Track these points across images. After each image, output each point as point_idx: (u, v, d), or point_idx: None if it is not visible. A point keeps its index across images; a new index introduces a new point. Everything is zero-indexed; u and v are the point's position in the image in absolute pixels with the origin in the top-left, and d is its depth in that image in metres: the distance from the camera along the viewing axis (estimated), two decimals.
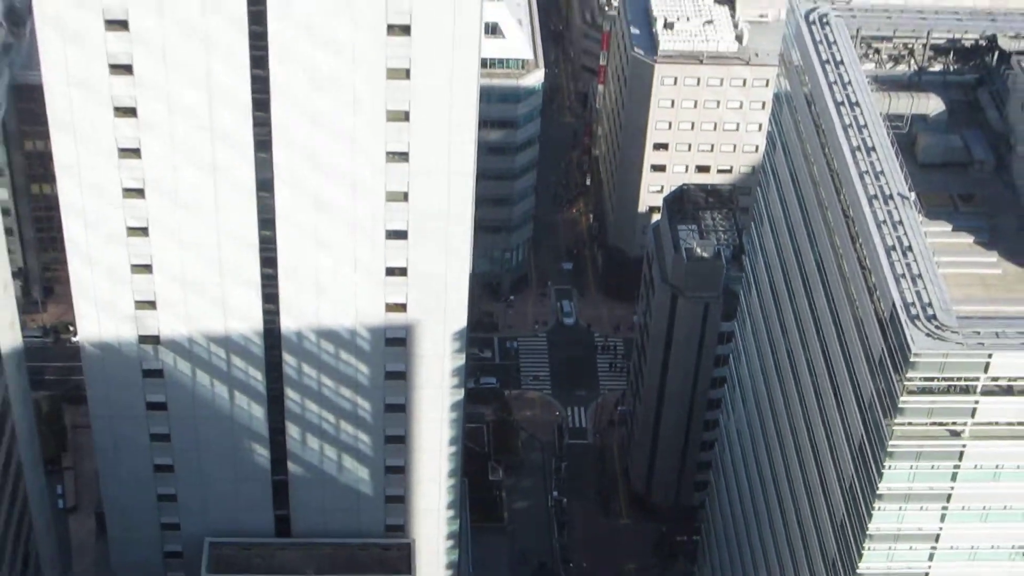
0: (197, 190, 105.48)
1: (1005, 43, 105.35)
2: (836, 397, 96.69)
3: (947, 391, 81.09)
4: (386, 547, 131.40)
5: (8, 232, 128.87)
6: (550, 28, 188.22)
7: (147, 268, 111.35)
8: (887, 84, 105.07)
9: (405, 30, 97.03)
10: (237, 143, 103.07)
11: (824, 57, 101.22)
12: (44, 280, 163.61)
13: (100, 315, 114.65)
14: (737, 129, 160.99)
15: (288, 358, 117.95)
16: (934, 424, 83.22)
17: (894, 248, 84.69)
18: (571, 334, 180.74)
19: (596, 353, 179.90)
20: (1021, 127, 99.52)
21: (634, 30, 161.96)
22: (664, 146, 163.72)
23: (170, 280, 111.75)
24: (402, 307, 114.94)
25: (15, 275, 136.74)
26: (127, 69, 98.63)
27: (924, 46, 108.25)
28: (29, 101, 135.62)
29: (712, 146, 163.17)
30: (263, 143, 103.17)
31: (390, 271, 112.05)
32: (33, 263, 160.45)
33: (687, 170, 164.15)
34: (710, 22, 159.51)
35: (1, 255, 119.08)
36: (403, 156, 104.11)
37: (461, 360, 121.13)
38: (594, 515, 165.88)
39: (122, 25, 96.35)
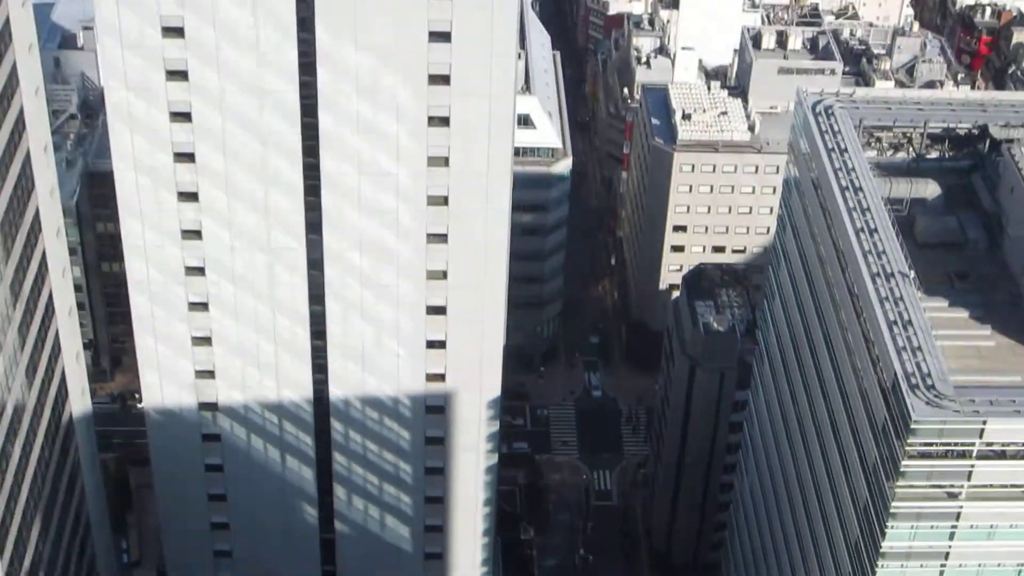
0: (253, 269, 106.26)
1: (996, 132, 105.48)
2: (842, 461, 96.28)
3: (945, 455, 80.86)
4: None
5: (80, 307, 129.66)
6: (577, 119, 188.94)
7: (207, 340, 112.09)
8: (888, 170, 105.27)
9: (444, 121, 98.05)
10: (290, 225, 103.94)
11: (830, 145, 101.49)
12: (112, 351, 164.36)
13: (163, 383, 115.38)
14: (750, 212, 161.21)
15: (336, 424, 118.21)
16: (933, 486, 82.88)
17: (895, 322, 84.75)
18: (597, 403, 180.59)
19: (620, 420, 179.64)
20: (1012, 210, 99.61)
21: (655, 121, 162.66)
22: (683, 228, 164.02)
23: (228, 351, 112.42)
24: (441, 377, 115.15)
25: (86, 346, 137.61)
26: (190, 157, 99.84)
27: (921, 135, 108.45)
28: (100, 187, 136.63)
29: (727, 228, 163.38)
30: (314, 225, 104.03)
31: (430, 344, 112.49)
32: (103, 335, 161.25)
33: (704, 250, 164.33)
34: (725, 113, 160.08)
35: (74, 328, 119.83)
36: (442, 237, 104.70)
37: (495, 426, 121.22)
38: (618, 572, 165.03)
39: (185, 117, 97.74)
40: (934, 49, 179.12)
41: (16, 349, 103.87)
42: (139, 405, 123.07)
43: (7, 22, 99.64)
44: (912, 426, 78.01)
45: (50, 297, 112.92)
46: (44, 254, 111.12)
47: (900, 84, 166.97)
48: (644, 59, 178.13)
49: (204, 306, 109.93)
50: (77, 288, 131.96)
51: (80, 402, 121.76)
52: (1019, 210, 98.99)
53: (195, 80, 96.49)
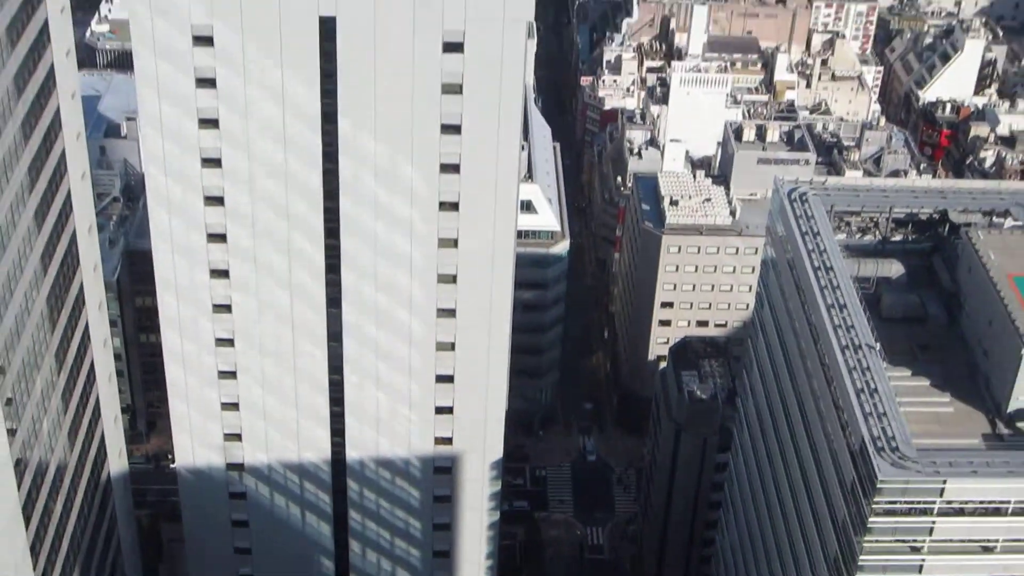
0: (278, 340, 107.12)
1: (955, 216, 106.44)
2: (815, 517, 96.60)
3: (909, 513, 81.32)
4: None
5: (119, 374, 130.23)
6: (575, 205, 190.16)
7: (235, 406, 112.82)
8: (856, 251, 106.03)
9: (454, 206, 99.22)
10: (313, 300, 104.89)
11: (804, 229, 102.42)
12: (148, 415, 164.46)
13: (194, 445, 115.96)
14: (731, 290, 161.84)
15: (352, 483, 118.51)
16: (898, 541, 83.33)
17: (863, 390, 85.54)
18: (591, 464, 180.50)
19: (612, 480, 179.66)
20: (969, 288, 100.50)
21: (645, 206, 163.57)
22: (670, 304, 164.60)
23: (254, 416, 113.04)
24: (448, 440, 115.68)
25: (124, 411, 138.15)
26: (222, 238, 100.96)
27: (887, 219, 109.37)
28: (139, 264, 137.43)
29: (710, 304, 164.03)
30: (334, 300, 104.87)
31: (439, 409, 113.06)
32: (139, 401, 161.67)
33: (689, 324, 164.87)
34: (709, 200, 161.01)
35: (113, 394, 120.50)
36: (451, 312, 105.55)
37: (497, 486, 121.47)
38: None
39: (218, 201, 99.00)
40: (899, 141, 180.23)
41: (60, 412, 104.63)
42: (172, 465, 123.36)
43: (57, 112, 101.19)
44: (878, 485, 78.74)
45: (92, 365, 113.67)
46: (87, 326, 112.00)
47: (868, 173, 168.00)
48: (636, 150, 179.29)
49: (233, 375, 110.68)
50: (117, 357, 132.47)
51: (117, 462, 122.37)
52: (976, 288, 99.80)
53: (228, 167, 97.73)
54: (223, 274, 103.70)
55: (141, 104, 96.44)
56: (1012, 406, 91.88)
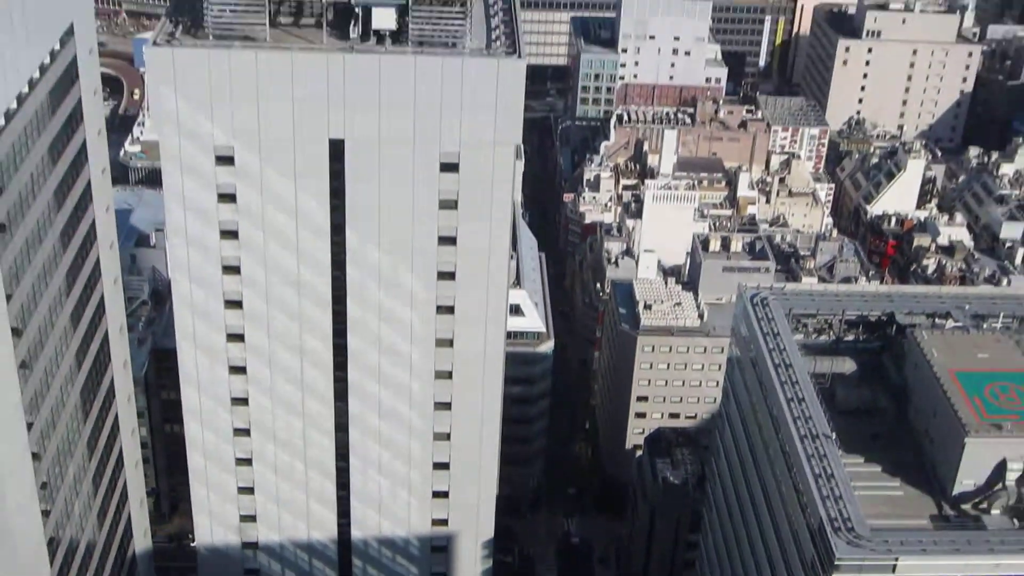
0: (290, 430, 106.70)
1: (901, 318, 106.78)
2: None
3: None
4: None
5: (145, 461, 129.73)
6: (559, 309, 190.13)
7: (250, 490, 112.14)
8: (813, 350, 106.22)
9: (450, 310, 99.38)
10: (322, 394, 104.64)
11: (765, 330, 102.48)
12: (171, 498, 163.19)
13: (213, 526, 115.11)
14: (700, 385, 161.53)
15: (356, 561, 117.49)
16: None
17: (820, 476, 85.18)
18: (574, 544, 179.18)
19: (594, 559, 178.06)
20: (915, 383, 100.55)
21: (622, 310, 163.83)
22: (644, 398, 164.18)
23: (268, 499, 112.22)
24: (444, 522, 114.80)
25: (149, 494, 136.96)
26: (240, 338, 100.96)
27: (840, 321, 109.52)
28: (165, 361, 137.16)
29: (681, 398, 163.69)
30: (341, 394, 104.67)
31: (435, 494, 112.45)
32: (163, 484, 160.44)
33: (662, 416, 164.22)
34: (679, 304, 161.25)
35: (139, 479, 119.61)
36: (447, 405, 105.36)
37: (489, 564, 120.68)
38: None
39: (237, 304, 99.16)
40: (850, 251, 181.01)
41: (90, 495, 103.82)
42: (192, 544, 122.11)
43: (93, 223, 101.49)
44: (836, 562, 78.10)
45: (120, 452, 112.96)
46: (117, 416, 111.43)
47: (822, 280, 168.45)
48: (613, 260, 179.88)
49: (248, 462, 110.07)
50: (143, 445, 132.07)
51: (143, 541, 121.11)
52: (921, 383, 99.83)
53: (246, 274, 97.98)
54: (241, 370, 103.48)
55: (168, 217, 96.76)
56: (957, 489, 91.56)
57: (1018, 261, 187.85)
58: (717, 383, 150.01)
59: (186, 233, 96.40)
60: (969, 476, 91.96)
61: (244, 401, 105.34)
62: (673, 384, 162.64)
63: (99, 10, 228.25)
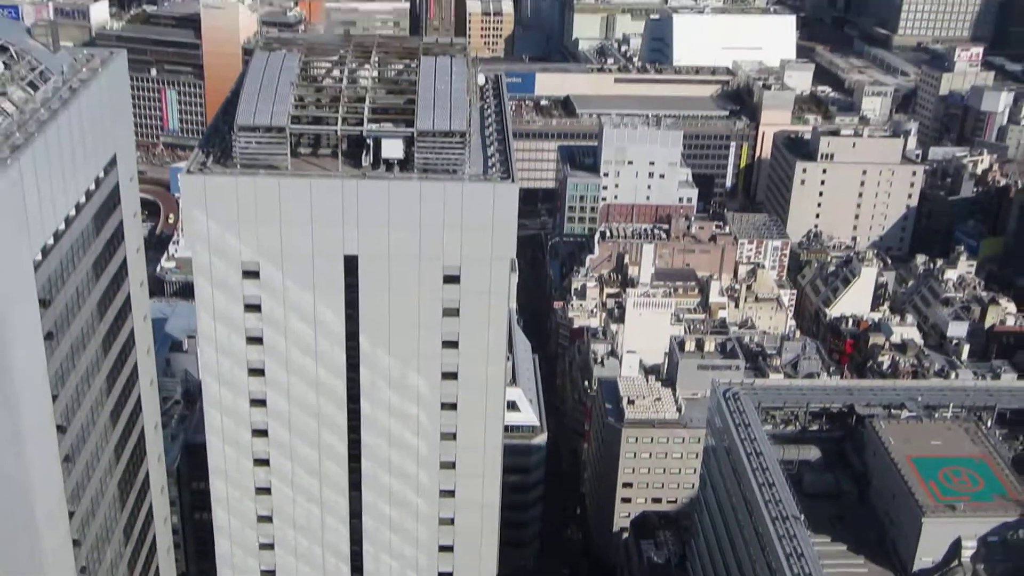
0: (309, 518, 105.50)
1: (861, 410, 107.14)
2: None
3: None
4: None
5: (176, 546, 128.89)
6: (551, 404, 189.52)
7: (272, 573, 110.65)
8: (781, 439, 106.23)
9: (453, 406, 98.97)
10: (338, 485, 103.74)
11: (737, 422, 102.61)
12: None
13: None
14: (680, 472, 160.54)
15: None
16: None
17: (791, 554, 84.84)
18: None
19: None
20: (875, 469, 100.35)
21: (607, 405, 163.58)
22: (630, 484, 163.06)
23: None
24: None
25: None
26: (264, 433, 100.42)
27: (805, 412, 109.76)
28: (196, 455, 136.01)
29: (663, 484, 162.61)
30: (355, 484, 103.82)
31: (441, 575, 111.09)
32: (193, 569, 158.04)
33: (646, 501, 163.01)
34: (659, 399, 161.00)
35: (170, 563, 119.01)
36: (451, 493, 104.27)
37: None
38: None
39: (261, 404, 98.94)
40: (812, 349, 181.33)
41: None
42: None
43: (132, 332, 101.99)
44: None
45: (154, 538, 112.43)
46: (151, 506, 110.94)
47: (787, 376, 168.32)
48: (599, 360, 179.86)
49: (271, 546, 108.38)
50: (175, 531, 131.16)
51: None
52: (880, 468, 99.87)
53: (269, 376, 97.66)
54: (264, 463, 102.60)
55: (200, 325, 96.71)
56: (916, 566, 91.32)
57: (964, 356, 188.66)
58: (695, 470, 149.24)
59: (215, 339, 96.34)
60: (927, 554, 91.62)
61: (267, 491, 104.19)
62: (655, 472, 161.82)
63: (139, 142, 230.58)
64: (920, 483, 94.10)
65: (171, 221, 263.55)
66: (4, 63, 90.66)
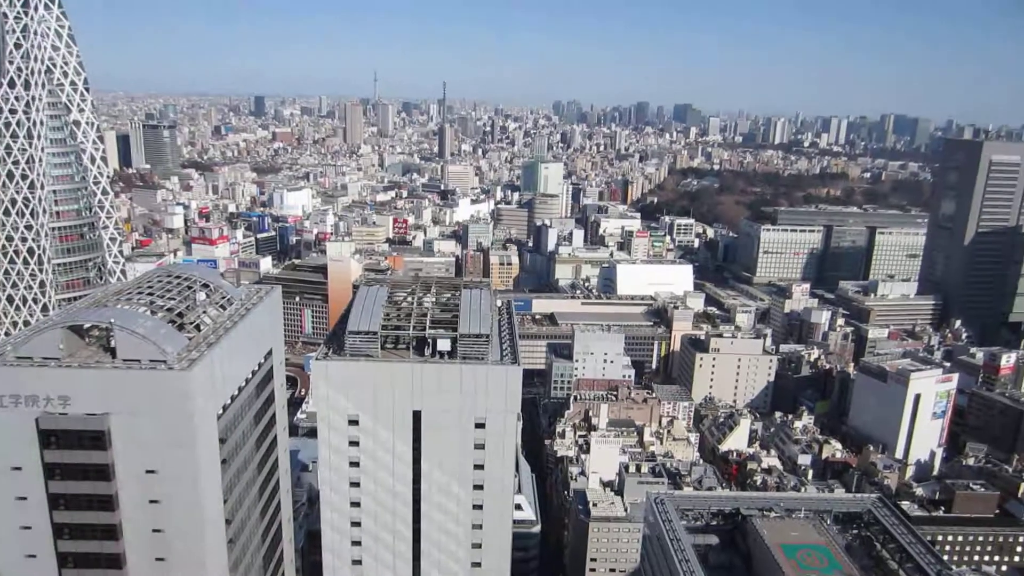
0: None
1: (744, 511, 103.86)
2: None
3: None
4: None
5: None
6: (543, 506, 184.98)
7: None
8: (692, 530, 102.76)
9: (480, 507, 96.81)
10: (404, 558, 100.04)
11: (664, 519, 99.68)
12: None
13: None
14: (627, 552, 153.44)
15: None
16: None
17: None
18: None
19: None
20: (756, 551, 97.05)
21: (579, 507, 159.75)
22: (595, 559, 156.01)
23: None
24: None
25: None
26: (358, 524, 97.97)
27: (708, 512, 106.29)
28: (314, 538, 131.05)
29: (616, 559, 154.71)
30: (416, 556, 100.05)
31: None
32: None
33: (606, 571, 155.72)
34: (613, 503, 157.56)
35: None
36: (478, 564, 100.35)
37: None
38: None
39: (357, 505, 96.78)
40: (710, 471, 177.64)
41: None
42: None
43: (276, 459, 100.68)
44: None
45: None
46: (284, 572, 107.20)
47: (695, 488, 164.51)
48: (574, 477, 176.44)
49: None
50: None
51: None
52: (759, 551, 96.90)
53: (363, 486, 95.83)
54: (358, 543, 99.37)
55: (320, 454, 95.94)
56: None
57: (809, 477, 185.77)
58: (637, 550, 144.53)
59: (329, 463, 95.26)
60: None
61: (359, 562, 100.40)
62: (611, 551, 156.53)
63: (287, 340, 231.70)
64: (785, 561, 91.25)
65: (303, 392, 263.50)
66: (206, 293, 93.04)
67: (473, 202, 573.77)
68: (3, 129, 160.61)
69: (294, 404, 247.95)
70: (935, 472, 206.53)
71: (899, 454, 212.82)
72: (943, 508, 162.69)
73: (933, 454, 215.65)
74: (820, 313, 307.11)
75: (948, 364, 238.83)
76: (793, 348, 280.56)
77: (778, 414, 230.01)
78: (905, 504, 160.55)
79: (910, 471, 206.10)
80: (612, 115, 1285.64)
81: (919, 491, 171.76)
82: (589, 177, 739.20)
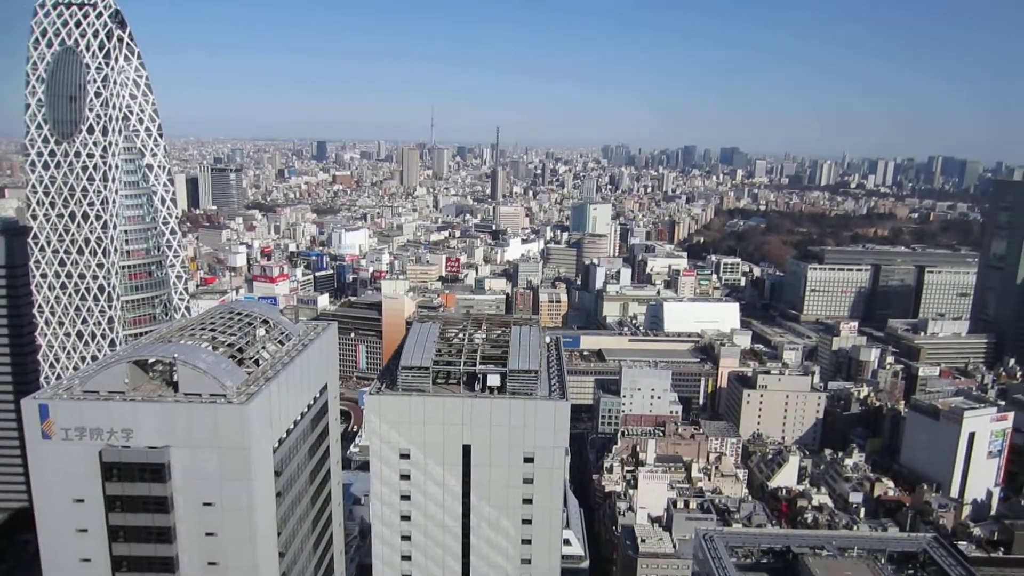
0: None
1: (795, 549, 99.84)
2: None
3: None
4: None
5: None
6: (592, 541, 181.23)
7: None
8: (742, 568, 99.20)
9: (528, 542, 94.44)
10: None
11: (713, 555, 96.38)
12: None
13: None
14: None
15: None
16: None
17: None
18: None
19: None
20: None
21: (627, 542, 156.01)
22: None
23: None
24: None
25: None
26: (408, 558, 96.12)
27: (758, 549, 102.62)
28: (365, 571, 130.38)
29: None
30: None
31: None
32: None
33: None
34: (661, 539, 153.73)
35: None
36: None
37: None
38: None
39: (408, 539, 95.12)
40: (760, 508, 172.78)
41: None
42: None
43: (329, 492, 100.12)
44: None
45: None
46: None
47: (745, 525, 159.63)
48: (622, 512, 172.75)
49: None
50: None
51: None
52: None
53: (414, 520, 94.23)
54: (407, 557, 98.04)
55: (372, 487, 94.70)
56: None
57: (862, 515, 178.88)
58: None
59: (381, 496, 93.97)
60: None
61: None
62: None
63: (342, 375, 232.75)
64: None
65: (355, 428, 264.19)
66: (266, 329, 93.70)
67: (523, 242, 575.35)
68: (80, 173, 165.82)
69: (347, 438, 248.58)
70: (993, 512, 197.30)
71: (954, 493, 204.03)
72: (1002, 549, 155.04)
73: (990, 493, 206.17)
74: (869, 351, 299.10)
75: (1003, 403, 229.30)
76: (842, 385, 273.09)
77: (828, 451, 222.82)
78: (962, 544, 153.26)
79: (966, 510, 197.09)
80: (660, 158, 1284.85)
81: (976, 531, 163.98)
82: (636, 218, 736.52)
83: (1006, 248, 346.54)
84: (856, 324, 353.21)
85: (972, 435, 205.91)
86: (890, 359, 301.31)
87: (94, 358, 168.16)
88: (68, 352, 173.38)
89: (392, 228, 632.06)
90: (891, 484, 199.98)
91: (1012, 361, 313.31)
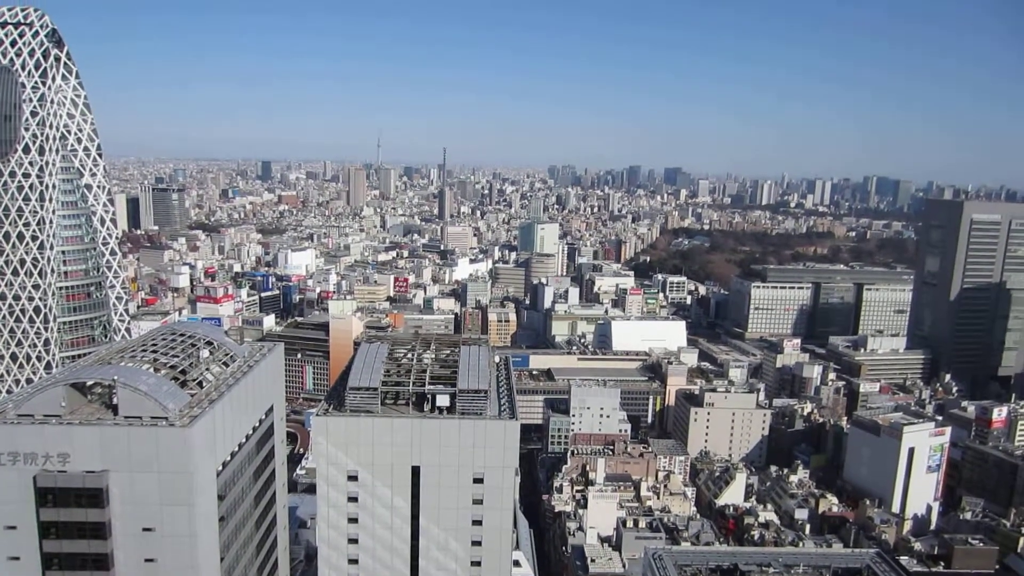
0: None
1: (742, 567, 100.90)
2: None
3: None
4: None
5: None
6: (542, 562, 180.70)
7: None
8: None
9: (479, 563, 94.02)
10: None
11: (661, 575, 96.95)
12: None
13: None
14: None
15: None
16: None
17: None
18: None
19: None
20: None
21: (577, 562, 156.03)
22: None
23: None
24: None
25: None
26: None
27: (705, 568, 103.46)
28: None
29: None
30: None
31: None
32: None
33: None
34: (611, 559, 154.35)
35: None
36: None
37: None
38: None
39: (355, 562, 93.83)
40: (707, 526, 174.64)
41: None
42: None
43: (275, 516, 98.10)
44: None
45: None
46: None
47: (692, 543, 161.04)
48: (572, 533, 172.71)
49: None
50: None
51: None
52: None
53: (361, 543, 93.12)
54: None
55: (319, 510, 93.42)
56: None
57: (807, 531, 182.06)
58: None
59: (328, 519, 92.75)
60: None
61: None
62: None
63: (288, 396, 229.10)
64: None
65: (302, 449, 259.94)
66: (210, 350, 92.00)
67: (472, 261, 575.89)
68: (16, 192, 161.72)
69: (293, 460, 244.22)
70: (932, 526, 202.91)
71: (895, 508, 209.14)
72: (942, 563, 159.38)
73: (930, 508, 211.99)
74: (812, 367, 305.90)
75: (940, 418, 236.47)
76: (786, 402, 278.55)
77: (773, 468, 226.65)
78: (904, 559, 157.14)
79: (908, 525, 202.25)
80: (605, 178, 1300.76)
81: (917, 546, 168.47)
82: (584, 237, 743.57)
83: (939, 265, 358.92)
84: (799, 341, 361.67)
85: (912, 450, 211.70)
86: (832, 375, 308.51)
87: (29, 381, 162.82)
88: (2, 375, 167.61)
89: (339, 248, 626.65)
90: (835, 500, 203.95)
91: (948, 376, 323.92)
